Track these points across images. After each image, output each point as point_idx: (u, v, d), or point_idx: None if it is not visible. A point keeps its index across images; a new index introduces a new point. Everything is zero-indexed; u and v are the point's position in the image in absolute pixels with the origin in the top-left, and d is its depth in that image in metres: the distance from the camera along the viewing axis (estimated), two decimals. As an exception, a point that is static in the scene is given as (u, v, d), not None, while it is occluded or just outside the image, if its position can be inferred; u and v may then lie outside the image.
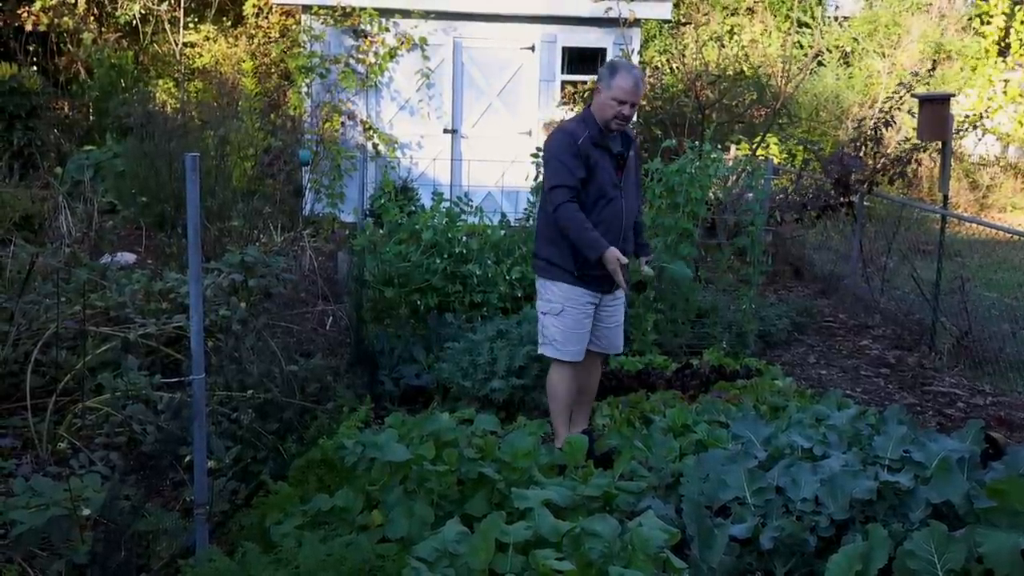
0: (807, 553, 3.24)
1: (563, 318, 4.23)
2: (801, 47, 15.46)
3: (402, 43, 10.28)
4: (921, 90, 11.42)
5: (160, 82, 12.44)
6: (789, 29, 15.39)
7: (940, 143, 6.82)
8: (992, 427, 4.67)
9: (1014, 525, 2.63)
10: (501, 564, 2.53)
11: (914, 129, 7.76)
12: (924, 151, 8.05)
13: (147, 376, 4.31)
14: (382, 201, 6.34)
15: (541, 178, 4.51)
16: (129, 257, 7.26)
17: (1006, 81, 15.82)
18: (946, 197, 6.95)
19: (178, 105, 10.88)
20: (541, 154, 4.33)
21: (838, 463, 3.46)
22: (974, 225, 8.65)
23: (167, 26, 12.74)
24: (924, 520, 3.04)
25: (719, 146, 6.89)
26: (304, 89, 10.28)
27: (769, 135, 11.94)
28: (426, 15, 10.13)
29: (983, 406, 5.41)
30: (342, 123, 10.28)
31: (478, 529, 2.59)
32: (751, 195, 6.66)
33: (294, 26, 12.05)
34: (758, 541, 3.21)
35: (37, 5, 11.70)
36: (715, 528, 3.22)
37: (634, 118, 10.07)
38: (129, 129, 9.27)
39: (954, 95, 7.57)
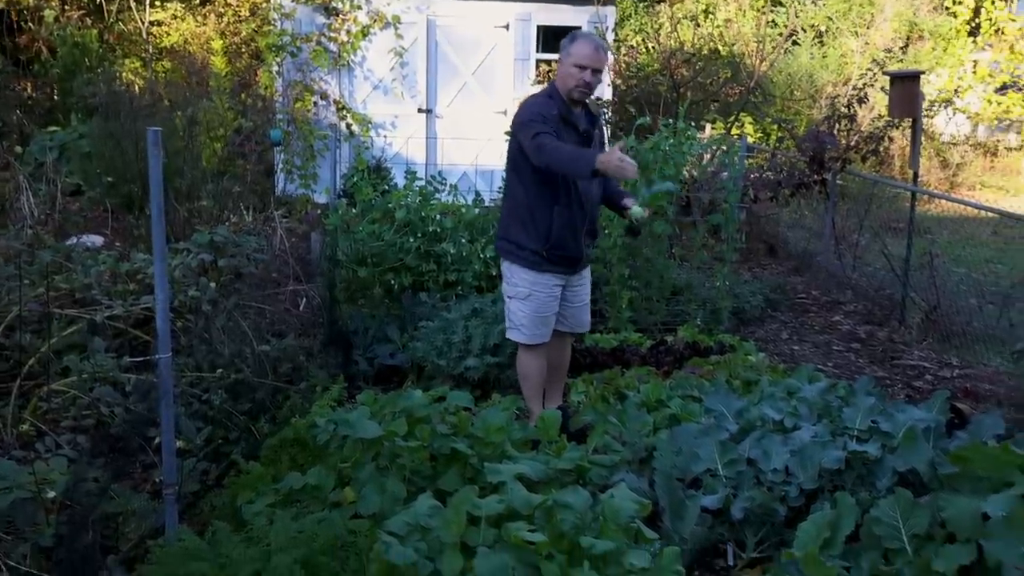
0: (777, 522, 3.28)
1: (530, 302, 4.17)
2: (775, 26, 15.50)
3: (374, 21, 10.18)
4: (894, 68, 11.50)
5: (126, 61, 12.25)
6: (763, 8, 15.41)
7: (911, 120, 6.87)
8: (958, 398, 4.73)
9: (976, 490, 2.67)
10: (473, 537, 2.53)
11: (886, 107, 7.81)
12: (896, 128, 8.10)
13: (115, 358, 4.25)
14: (355, 180, 6.30)
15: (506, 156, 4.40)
16: (96, 239, 7.15)
17: (975, 62, 15.96)
18: (916, 174, 7.00)
19: (145, 85, 10.72)
20: (510, 128, 4.26)
21: (808, 434, 3.50)
22: (944, 203, 8.73)
23: (132, 4, 12.54)
24: (891, 488, 3.08)
25: (693, 124, 6.90)
26: (275, 68, 10.16)
27: (743, 114, 11.98)
28: (399, -8, 10.04)
29: (950, 378, 5.47)
30: (314, 103, 10.17)
31: (450, 503, 2.58)
32: (725, 173, 6.67)
33: (264, 4, 11.90)
34: (729, 511, 3.24)
35: (-4, -18, 11.47)
36: (687, 499, 3.24)
37: (607, 95, 10.04)
38: (94, 109, 9.12)
39: (924, 72, 7.62)
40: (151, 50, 12.37)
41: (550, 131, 3.92)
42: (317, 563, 2.47)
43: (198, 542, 2.65)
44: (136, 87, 10.75)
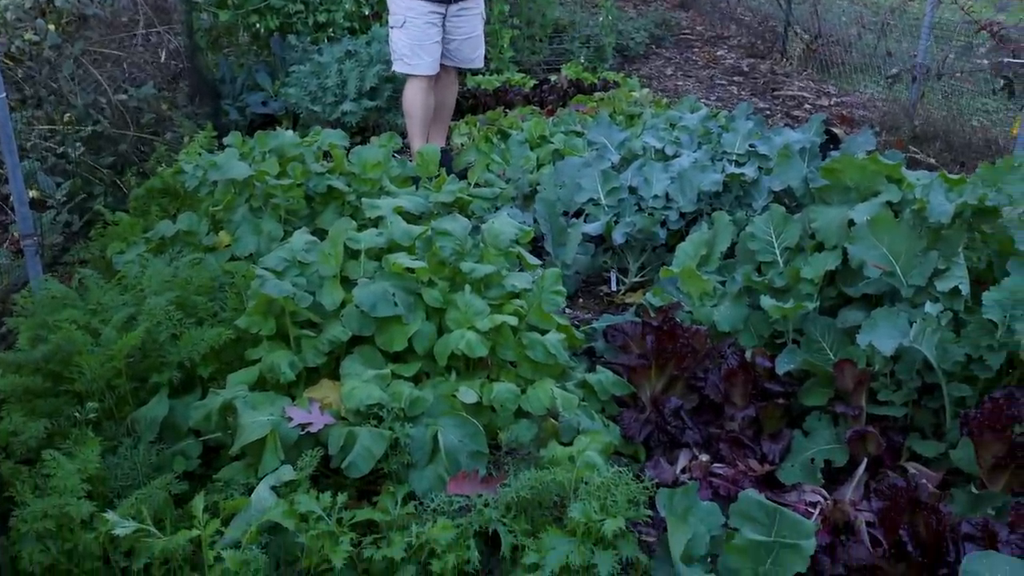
0: (658, 246, 3.37)
1: (407, 30, 4.06)
2: None
3: None
4: None
5: None
6: None
7: None
8: (835, 124, 4.83)
9: (844, 201, 2.75)
10: (353, 270, 2.49)
11: None
12: None
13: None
14: (205, -90, 5.64)
15: None
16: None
17: None
18: None
19: None
20: None
21: (688, 160, 3.52)
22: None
23: None
24: (767, 207, 3.16)
25: None
26: None
27: None
28: None
29: (828, 106, 5.57)
30: None
31: (327, 236, 2.52)
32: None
33: None
34: (611, 237, 3.29)
35: None
36: (569, 227, 3.27)
37: None
38: None
39: None
40: None
41: None
42: (194, 303, 2.40)
43: (66, 291, 2.54)
44: None
